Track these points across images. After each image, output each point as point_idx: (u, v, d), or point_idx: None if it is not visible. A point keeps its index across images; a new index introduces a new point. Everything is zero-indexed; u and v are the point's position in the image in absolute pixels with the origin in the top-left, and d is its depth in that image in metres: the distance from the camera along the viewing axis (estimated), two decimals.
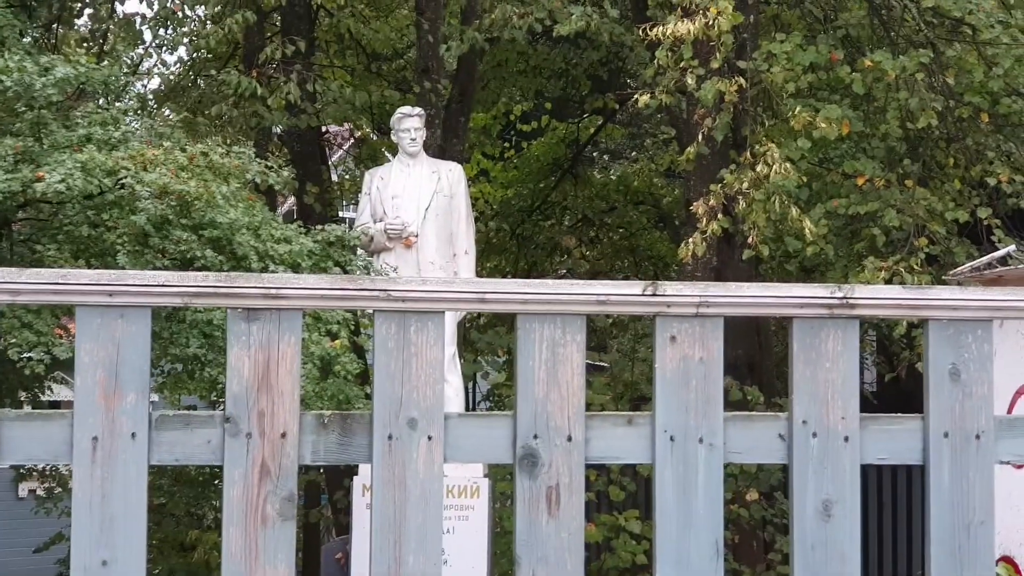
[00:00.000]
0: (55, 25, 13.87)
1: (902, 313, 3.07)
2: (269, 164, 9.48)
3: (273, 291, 2.88)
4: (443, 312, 2.97)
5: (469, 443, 2.95)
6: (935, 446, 3.00)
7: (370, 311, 3.00)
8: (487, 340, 15.96)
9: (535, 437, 2.93)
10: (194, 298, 2.90)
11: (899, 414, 3.05)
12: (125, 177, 8.14)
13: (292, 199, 17.81)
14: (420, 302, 2.92)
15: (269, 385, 2.87)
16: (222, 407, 2.92)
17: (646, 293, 2.96)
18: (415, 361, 2.92)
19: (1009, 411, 8.47)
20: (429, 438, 2.91)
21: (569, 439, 2.94)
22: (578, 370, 2.96)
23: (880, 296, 3.03)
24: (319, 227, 9.50)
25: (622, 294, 2.98)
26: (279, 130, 15.75)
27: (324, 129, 17.20)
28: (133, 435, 2.82)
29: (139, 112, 11.53)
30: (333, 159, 20.44)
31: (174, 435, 2.86)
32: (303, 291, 2.91)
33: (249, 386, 2.86)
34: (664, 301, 2.96)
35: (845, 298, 2.97)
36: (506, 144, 21.34)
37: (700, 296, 2.97)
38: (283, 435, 2.87)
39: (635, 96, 11.58)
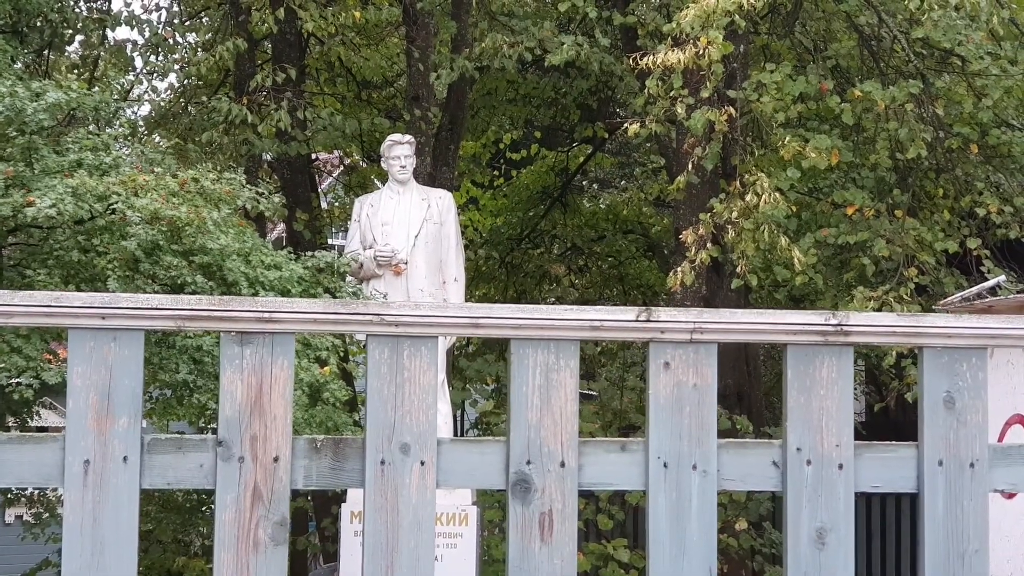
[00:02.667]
0: (46, 51, 13.87)
1: (897, 340, 3.07)
2: (260, 191, 9.47)
3: (266, 315, 2.87)
4: (436, 337, 2.96)
5: (462, 468, 2.94)
6: (929, 474, 3.00)
7: (362, 336, 2.99)
8: (476, 368, 15.94)
9: (528, 463, 2.92)
10: (187, 321, 2.89)
11: (893, 442, 3.04)
12: (116, 202, 8.13)
13: (282, 226, 17.80)
14: (413, 327, 2.92)
15: (262, 409, 2.85)
16: (211, 431, 2.91)
17: (640, 319, 2.95)
18: (408, 386, 2.91)
19: (999, 441, 8.46)
20: (422, 463, 2.89)
21: (562, 465, 2.93)
22: (571, 396, 2.95)
23: (875, 323, 3.02)
24: (309, 253, 9.49)
25: (616, 320, 2.97)
26: (269, 157, 15.75)
27: (314, 156, 17.20)
28: (125, 459, 2.81)
29: (129, 138, 11.52)
30: (323, 186, 20.44)
31: (166, 459, 2.84)
32: (296, 315, 2.89)
33: (242, 410, 2.85)
34: (658, 327, 2.95)
35: (840, 325, 2.97)
36: (496, 172, 21.36)
37: (694, 322, 2.96)
38: (276, 459, 2.85)
39: (625, 125, 11.59)
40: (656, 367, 2.98)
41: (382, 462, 2.89)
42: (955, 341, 3.01)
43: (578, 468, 2.94)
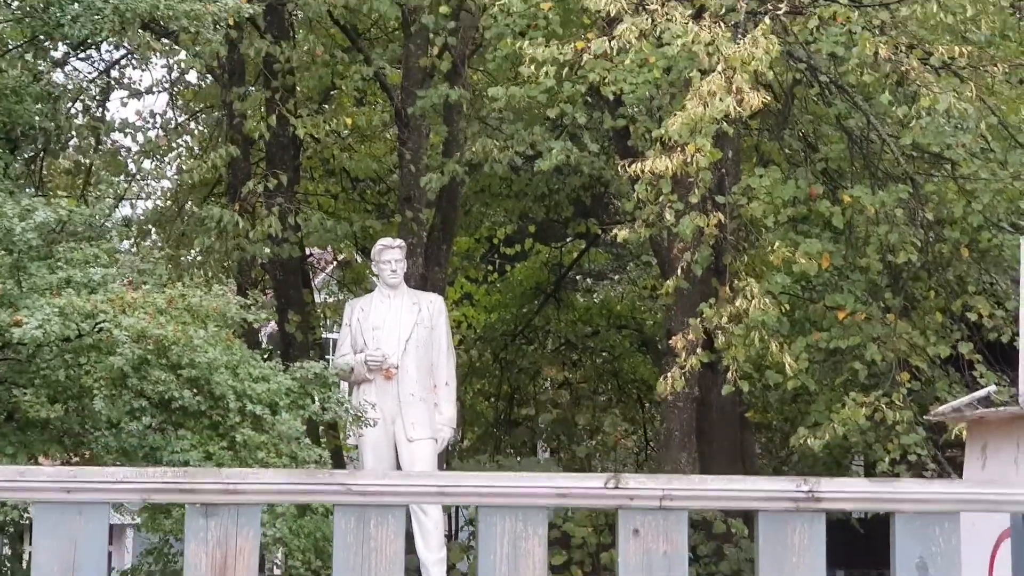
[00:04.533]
0: (39, 157, 13.90)
1: (868, 506, 3.06)
2: (248, 303, 9.46)
3: (231, 486, 2.86)
4: (404, 506, 2.95)
5: None
6: None
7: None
8: (469, 469, 15.90)
9: None
10: (153, 494, 2.88)
11: None
12: (103, 321, 8.12)
13: (273, 324, 17.79)
14: (380, 495, 2.90)
15: None
16: None
17: (608, 486, 2.94)
18: (374, 556, 2.90)
19: (992, 558, 8.39)
20: None
21: None
22: (540, 564, 2.94)
23: (846, 489, 3.01)
24: (298, 364, 9.47)
25: (584, 487, 2.96)
26: (262, 260, 15.74)
27: (308, 252, 17.20)
28: None
29: (125, 239, 11.51)
30: (316, 281, 20.44)
31: None
32: (261, 485, 2.88)
33: None
34: (627, 494, 2.94)
35: (811, 492, 2.96)
36: (490, 267, 21.40)
37: (663, 489, 2.95)
38: None
39: (614, 232, 11.59)
40: (626, 534, 2.96)
41: None
42: (927, 507, 2.99)
43: None
